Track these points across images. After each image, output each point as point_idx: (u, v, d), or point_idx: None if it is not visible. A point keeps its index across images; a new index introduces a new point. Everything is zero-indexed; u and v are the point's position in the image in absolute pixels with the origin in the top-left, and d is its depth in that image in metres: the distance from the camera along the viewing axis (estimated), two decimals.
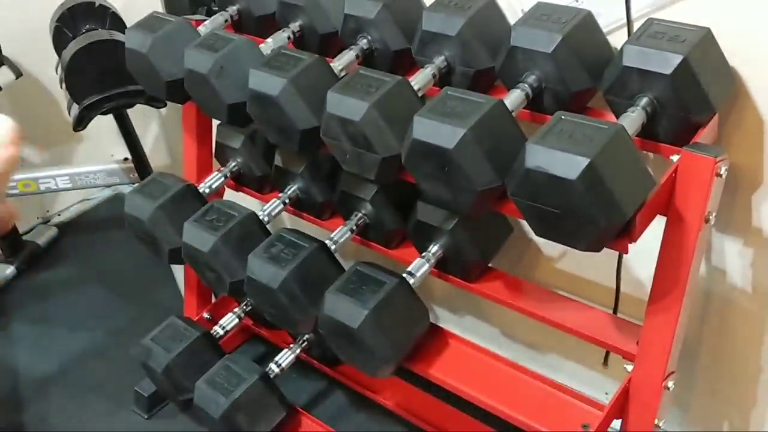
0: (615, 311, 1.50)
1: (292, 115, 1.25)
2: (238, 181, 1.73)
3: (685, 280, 1.07)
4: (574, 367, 1.73)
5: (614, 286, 1.48)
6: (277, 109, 1.25)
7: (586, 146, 0.94)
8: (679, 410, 1.58)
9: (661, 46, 1.06)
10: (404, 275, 1.33)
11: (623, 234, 1.01)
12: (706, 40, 1.07)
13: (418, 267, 1.37)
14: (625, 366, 1.18)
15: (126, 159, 2.24)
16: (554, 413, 1.19)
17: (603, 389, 1.71)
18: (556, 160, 0.95)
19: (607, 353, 1.61)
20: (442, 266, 1.43)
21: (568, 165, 0.93)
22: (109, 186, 2.50)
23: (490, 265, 1.46)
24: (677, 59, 1.04)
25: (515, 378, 1.27)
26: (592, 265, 1.55)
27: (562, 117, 1.01)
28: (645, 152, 1.18)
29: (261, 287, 1.33)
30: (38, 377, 2.03)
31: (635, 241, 1.02)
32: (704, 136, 1.08)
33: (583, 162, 0.93)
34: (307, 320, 1.34)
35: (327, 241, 1.45)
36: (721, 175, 1.03)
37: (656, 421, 1.16)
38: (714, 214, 1.06)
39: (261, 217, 1.52)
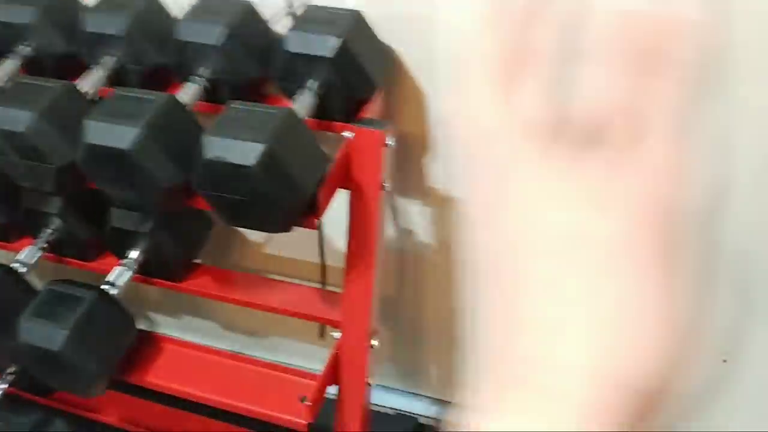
0: (324, 285, 1.57)
1: None
2: None
3: (374, 245, 1.16)
4: (296, 346, 1.79)
5: (320, 262, 1.55)
6: None
7: (259, 132, 0.98)
8: (391, 364, 1.70)
9: (320, 30, 1.13)
10: (104, 286, 1.28)
11: (309, 211, 1.06)
12: (358, 21, 1.15)
13: (119, 275, 1.31)
14: (332, 334, 1.25)
15: None
16: (272, 393, 1.22)
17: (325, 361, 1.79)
18: (233, 148, 0.97)
19: (322, 326, 1.68)
20: (145, 270, 1.39)
21: (245, 152, 0.96)
22: None
23: (198, 261, 1.45)
24: (336, 42, 1.11)
25: (231, 367, 1.28)
26: (298, 245, 1.61)
27: (233, 106, 1.03)
28: (323, 132, 1.24)
29: None
30: None
31: (320, 217, 1.08)
32: (371, 111, 1.17)
33: (259, 147, 0.96)
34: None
35: (14, 265, 1.34)
36: (389, 145, 1.12)
37: (367, 380, 1.25)
38: (388, 181, 1.15)
39: None
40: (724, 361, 1.36)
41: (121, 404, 1.64)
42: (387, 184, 1.15)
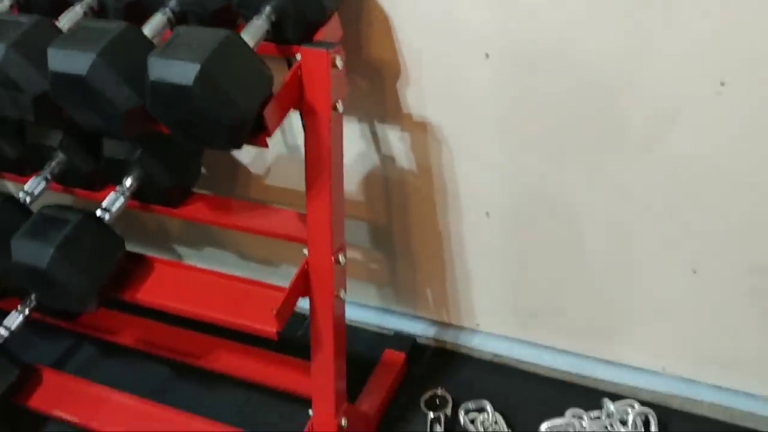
0: None
1: None
2: None
3: (328, 164, 1.20)
4: None
5: None
6: None
7: (198, 53, 1.03)
8: (390, 288, 1.76)
9: None
10: (98, 212, 1.37)
11: (258, 130, 1.11)
12: None
13: (112, 201, 1.40)
14: (303, 251, 1.31)
15: None
16: (249, 306, 1.30)
17: None
18: (174, 68, 1.03)
19: None
20: (142, 197, 1.48)
21: (184, 72, 1.02)
22: None
23: (205, 192, 1.53)
24: None
25: (214, 283, 1.37)
26: (295, 176, 1.67)
27: (179, 29, 1.09)
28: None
29: None
30: None
31: (271, 135, 1.14)
32: (326, 34, 1.21)
33: (196, 67, 1.01)
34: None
35: (21, 194, 1.46)
36: (337, 66, 1.16)
37: (337, 293, 1.31)
38: (340, 102, 1.19)
39: None
40: None
41: (137, 327, 1.77)
42: (339, 105, 1.19)
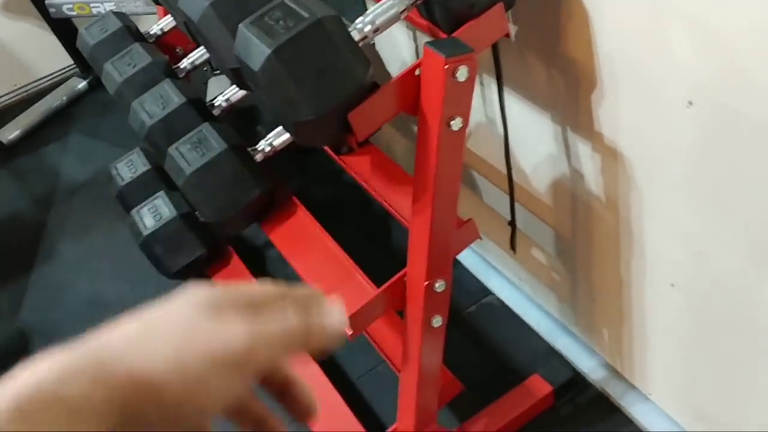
0: (512, 198, 1.39)
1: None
2: None
3: (432, 181, 1.00)
4: (494, 247, 1.67)
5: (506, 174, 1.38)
6: None
7: (276, 36, 0.89)
8: (569, 306, 1.50)
9: None
10: (262, 143, 1.34)
11: (345, 129, 0.96)
12: None
13: (275, 137, 1.35)
14: None
15: None
16: (339, 288, 1.21)
17: (517, 275, 1.66)
18: (250, 47, 0.91)
19: (512, 238, 1.51)
20: None
21: (256, 54, 0.89)
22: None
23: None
24: None
25: (330, 257, 1.28)
26: (492, 152, 1.46)
27: (285, 2, 0.94)
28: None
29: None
30: (73, 181, 2.33)
31: (360, 140, 0.97)
32: (479, 28, 0.97)
33: (266, 53, 0.88)
34: None
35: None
36: (457, 78, 0.92)
37: (428, 318, 1.13)
38: (459, 119, 0.96)
39: None
40: None
41: None
42: (455, 122, 0.96)
